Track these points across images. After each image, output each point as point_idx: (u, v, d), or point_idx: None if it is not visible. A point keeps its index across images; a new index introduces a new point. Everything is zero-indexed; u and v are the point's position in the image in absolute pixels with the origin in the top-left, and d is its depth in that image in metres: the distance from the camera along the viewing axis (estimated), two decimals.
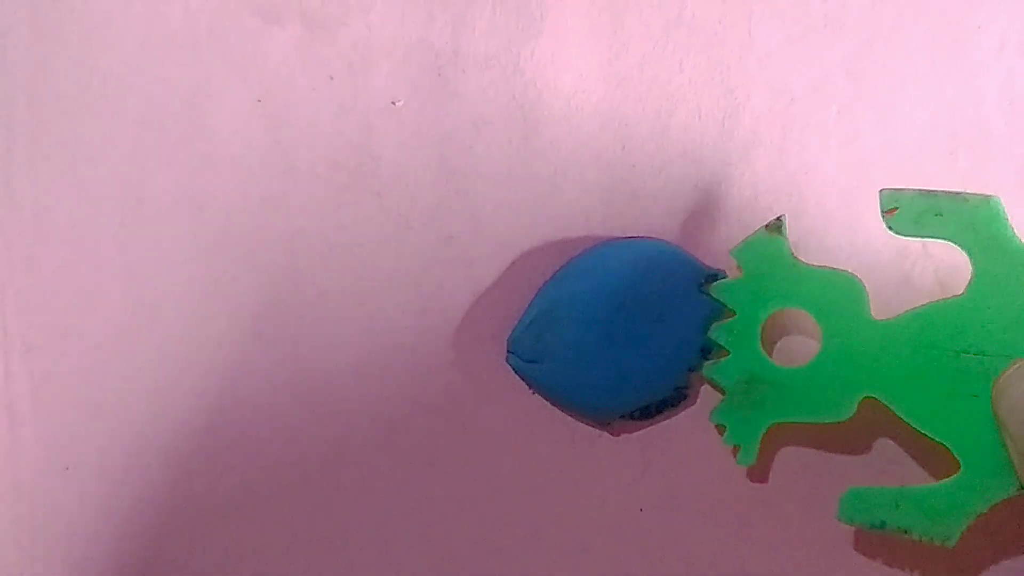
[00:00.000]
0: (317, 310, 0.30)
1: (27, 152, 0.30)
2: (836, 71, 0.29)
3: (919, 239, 0.27)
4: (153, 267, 0.30)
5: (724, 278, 0.28)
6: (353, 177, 0.30)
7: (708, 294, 0.28)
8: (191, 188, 0.30)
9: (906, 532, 0.26)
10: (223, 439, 0.30)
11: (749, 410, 0.27)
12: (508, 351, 0.29)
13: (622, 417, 0.29)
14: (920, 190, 0.26)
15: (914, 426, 0.26)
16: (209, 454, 0.30)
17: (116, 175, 0.30)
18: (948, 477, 0.26)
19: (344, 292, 0.30)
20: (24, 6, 0.31)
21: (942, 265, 0.28)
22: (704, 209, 0.29)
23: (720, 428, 0.27)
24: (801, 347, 0.28)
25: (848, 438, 0.28)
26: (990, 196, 0.26)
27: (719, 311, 0.28)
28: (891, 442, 0.28)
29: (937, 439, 0.26)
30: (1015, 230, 0.25)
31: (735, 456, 0.27)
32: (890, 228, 0.26)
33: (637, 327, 0.28)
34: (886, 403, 0.26)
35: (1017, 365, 0.25)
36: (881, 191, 0.26)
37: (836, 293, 0.27)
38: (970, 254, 0.26)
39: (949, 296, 0.26)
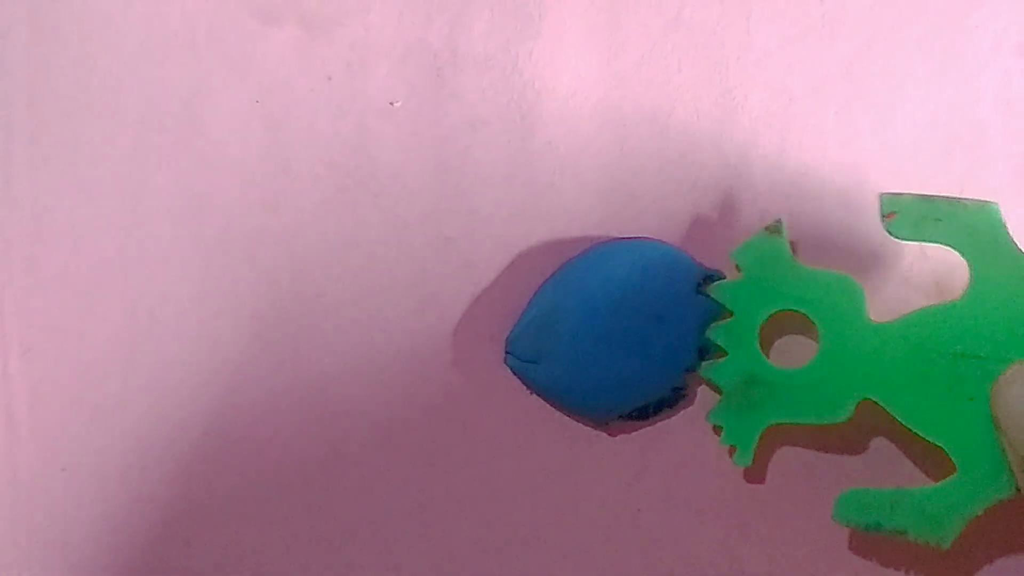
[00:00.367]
0: (315, 310, 0.30)
1: (26, 153, 0.30)
2: (834, 72, 0.30)
3: (917, 243, 0.27)
4: (151, 268, 0.30)
5: (722, 279, 0.28)
6: (351, 178, 0.30)
7: (706, 295, 0.28)
8: (190, 189, 0.30)
9: (901, 533, 0.26)
10: (221, 440, 0.30)
11: (746, 411, 0.27)
12: (506, 351, 0.29)
13: (620, 417, 0.29)
14: (919, 195, 0.26)
15: (910, 428, 0.26)
16: (208, 455, 0.30)
17: (115, 176, 0.30)
18: (944, 478, 0.26)
19: (342, 292, 0.30)
20: (23, 7, 0.31)
21: (939, 267, 0.28)
22: (702, 210, 0.29)
23: (717, 428, 0.28)
24: (799, 348, 0.28)
25: (845, 438, 0.28)
26: (988, 202, 0.26)
27: (717, 312, 0.28)
28: (888, 442, 0.28)
29: (933, 441, 0.26)
30: (1013, 235, 0.26)
31: (732, 456, 0.27)
32: (889, 232, 0.26)
33: (635, 328, 0.28)
34: (883, 405, 0.26)
35: (1015, 368, 0.25)
36: (881, 195, 0.26)
37: (835, 295, 0.27)
38: (968, 259, 0.26)
39: (946, 298, 0.26)
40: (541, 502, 0.29)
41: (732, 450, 0.27)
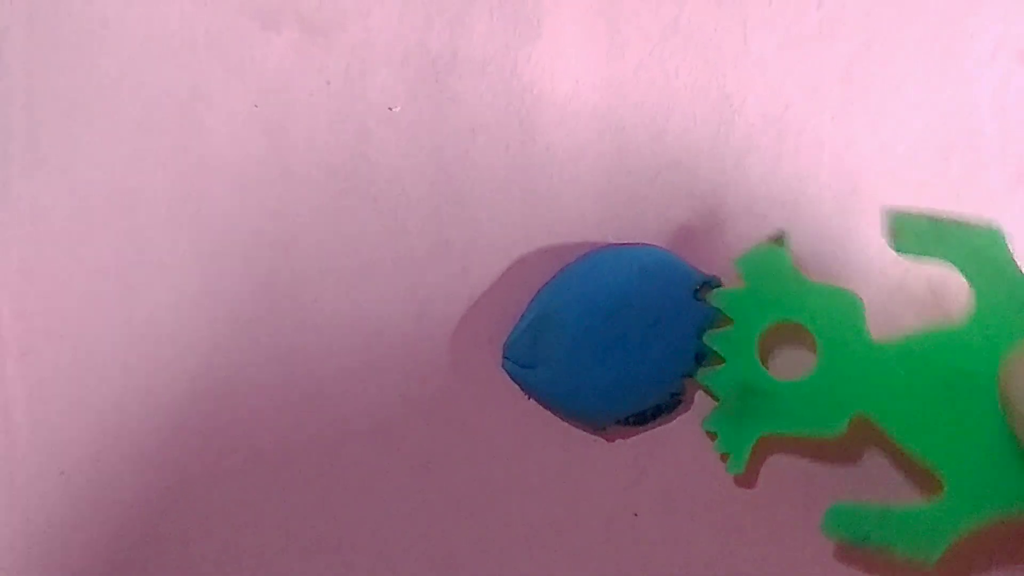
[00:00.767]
0: (313, 314, 0.30)
1: (23, 155, 0.30)
2: (831, 77, 0.30)
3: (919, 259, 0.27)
4: (149, 271, 0.30)
5: (719, 285, 0.28)
6: (350, 182, 0.30)
7: (704, 300, 0.28)
8: (188, 192, 0.30)
9: (889, 549, 0.26)
10: (219, 443, 0.30)
11: (741, 419, 0.27)
12: (504, 356, 0.29)
13: (617, 422, 0.29)
14: (925, 214, 0.26)
15: (904, 447, 0.26)
16: (205, 458, 0.30)
17: (113, 179, 0.30)
18: (935, 494, 0.26)
19: (340, 297, 0.30)
20: (21, 8, 0.31)
21: (935, 273, 0.29)
22: (699, 215, 0.30)
23: (712, 435, 0.28)
24: (797, 359, 0.28)
25: (838, 450, 0.29)
26: (992, 224, 0.26)
27: (714, 318, 0.28)
28: (881, 453, 0.29)
29: (925, 462, 0.26)
30: (1016, 259, 0.26)
31: (724, 463, 0.28)
32: (894, 249, 0.26)
33: (632, 333, 0.28)
34: (877, 423, 0.26)
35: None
36: (886, 211, 0.26)
37: (836, 310, 0.27)
38: (971, 281, 0.26)
39: (941, 304, 0.26)
40: (538, 507, 0.29)
41: (725, 457, 0.27)
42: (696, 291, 0.28)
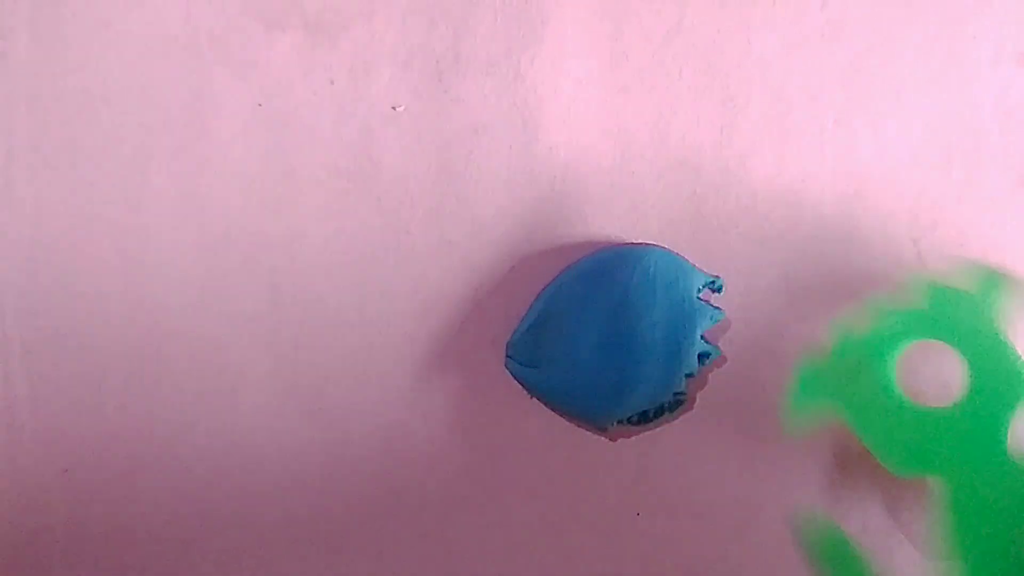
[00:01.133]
0: (316, 313, 0.30)
1: (27, 155, 0.30)
2: (833, 81, 0.30)
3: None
4: (152, 270, 0.30)
5: (722, 286, 0.28)
6: (353, 181, 0.30)
7: (706, 301, 0.28)
8: (192, 191, 0.30)
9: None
10: (222, 442, 0.30)
11: (838, 380, 0.27)
12: (507, 355, 0.29)
13: (620, 422, 0.29)
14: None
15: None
16: (207, 457, 0.30)
17: (117, 178, 0.30)
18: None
19: (344, 296, 0.30)
20: (25, 9, 0.31)
21: (936, 277, 0.29)
22: (702, 216, 0.30)
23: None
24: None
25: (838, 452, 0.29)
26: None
27: (717, 317, 0.28)
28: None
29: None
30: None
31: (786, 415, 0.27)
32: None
33: (636, 333, 0.28)
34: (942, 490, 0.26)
35: None
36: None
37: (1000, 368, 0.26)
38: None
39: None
40: (541, 505, 0.29)
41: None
42: (699, 291, 0.28)
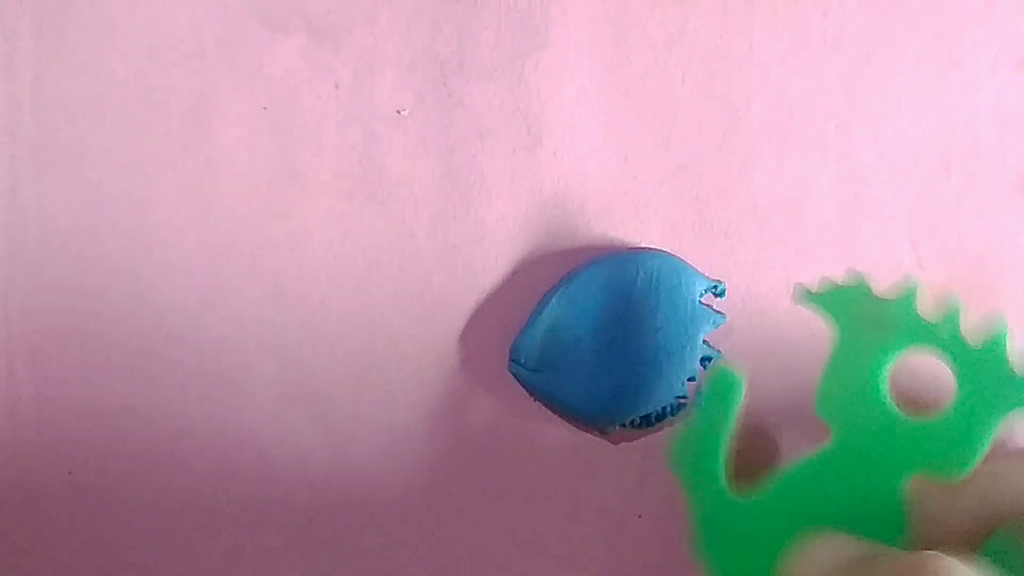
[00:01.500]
0: (321, 318, 0.30)
1: (32, 157, 0.30)
2: (834, 87, 0.30)
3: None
4: (157, 273, 0.30)
5: (724, 290, 0.29)
6: (357, 185, 0.30)
7: (708, 306, 0.28)
8: (196, 195, 0.30)
9: None
10: (226, 445, 0.30)
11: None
12: (511, 359, 0.29)
13: (622, 426, 0.29)
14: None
15: None
16: (211, 459, 0.30)
17: (121, 181, 0.30)
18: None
19: (348, 300, 0.30)
20: (29, 11, 0.31)
21: (935, 282, 0.29)
22: (704, 220, 0.30)
23: None
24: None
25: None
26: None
27: (719, 322, 0.28)
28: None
29: None
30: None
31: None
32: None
33: (638, 337, 0.28)
34: None
35: None
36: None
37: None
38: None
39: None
40: (544, 509, 0.30)
41: None
42: (701, 295, 0.29)
